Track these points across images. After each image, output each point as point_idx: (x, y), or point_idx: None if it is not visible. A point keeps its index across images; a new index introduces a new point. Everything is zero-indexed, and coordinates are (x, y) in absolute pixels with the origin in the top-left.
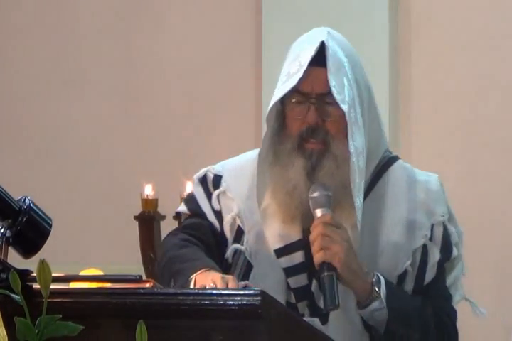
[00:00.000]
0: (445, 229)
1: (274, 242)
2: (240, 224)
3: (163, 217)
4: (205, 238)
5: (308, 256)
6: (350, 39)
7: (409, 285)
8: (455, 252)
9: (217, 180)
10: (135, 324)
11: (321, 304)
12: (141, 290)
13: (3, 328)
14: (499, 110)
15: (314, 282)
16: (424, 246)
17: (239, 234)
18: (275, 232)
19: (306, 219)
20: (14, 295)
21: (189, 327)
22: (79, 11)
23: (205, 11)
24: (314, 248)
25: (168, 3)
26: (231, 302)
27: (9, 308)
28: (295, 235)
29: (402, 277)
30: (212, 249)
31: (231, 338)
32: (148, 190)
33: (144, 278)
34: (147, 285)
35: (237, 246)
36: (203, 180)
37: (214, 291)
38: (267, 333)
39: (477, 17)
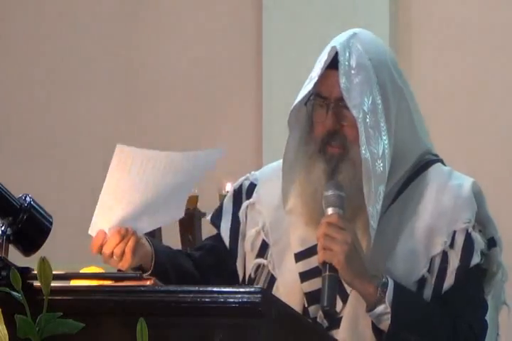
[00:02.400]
0: (468, 235)
1: (296, 246)
2: (265, 238)
3: None
4: (209, 259)
5: None
6: None
7: (428, 292)
8: (476, 259)
9: (251, 188)
10: (135, 321)
11: (338, 303)
12: (142, 288)
13: (4, 326)
14: (499, 107)
15: None
16: (445, 253)
17: (263, 248)
18: (299, 236)
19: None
20: (15, 293)
21: (189, 324)
22: (81, 13)
23: (206, 11)
24: (318, 247)
25: (169, 4)
26: (231, 300)
27: (10, 306)
28: (315, 239)
29: (421, 284)
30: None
31: (231, 336)
32: None
33: (144, 275)
34: (148, 282)
35: (259, 260)
36: (237, 192)
37: (215, 289)
38: (268, 331)
39: (477, 15)
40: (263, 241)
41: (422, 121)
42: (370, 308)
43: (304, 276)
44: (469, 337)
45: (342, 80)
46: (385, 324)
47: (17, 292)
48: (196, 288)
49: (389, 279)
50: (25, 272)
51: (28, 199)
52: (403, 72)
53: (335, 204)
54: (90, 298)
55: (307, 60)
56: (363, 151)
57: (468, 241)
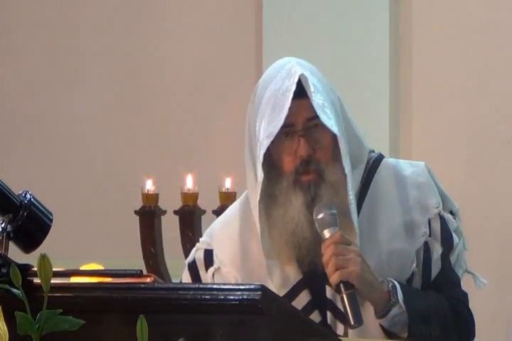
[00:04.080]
0: (442, 219)
1: (279, 289)
2: None
3: (164, 212)
4: None
5: (314, 291)
6: (350, 36)
7: (417, 284)
8: (456, 239)
9: (209, 256)
10: (136, 318)
11: (339, 331)
12: (142, 285)
13: (4, 323)
14: (500, 105)
15: (329, 314)
16: (426, 244)
17: None
18: (278, 278)
19: (307, 253)
20: (15, 290)
21: (189, 321)
22: (80, 11)
23: (206, 10)
24: (329, 269)
25: (170, 4)
26: (231, 297)
27: (10, 303)
28: (297, 275)
29: (410, 279)
30: None
31: (231, 333)
32: (149, 185)
33: (145, 272)
34: (148, 279)
35: None
36: (192, 265)
37: (215, 286)
38: (268, 328)
39: (478, 13)
40: None
41: (355, 123)
42: (383, 313)
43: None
44: (464, 312)
45: (314, 103)
46: (399, 324)
47: (17, 289)
48: (196, 286)
49: (393, 280)
50: (25, 269)
51: (28, 196)
52: (403, 69)
53: (330, 225)
54: (90, 295)
55: (308, 61)
56: (346, 166)
57: (444, 224)
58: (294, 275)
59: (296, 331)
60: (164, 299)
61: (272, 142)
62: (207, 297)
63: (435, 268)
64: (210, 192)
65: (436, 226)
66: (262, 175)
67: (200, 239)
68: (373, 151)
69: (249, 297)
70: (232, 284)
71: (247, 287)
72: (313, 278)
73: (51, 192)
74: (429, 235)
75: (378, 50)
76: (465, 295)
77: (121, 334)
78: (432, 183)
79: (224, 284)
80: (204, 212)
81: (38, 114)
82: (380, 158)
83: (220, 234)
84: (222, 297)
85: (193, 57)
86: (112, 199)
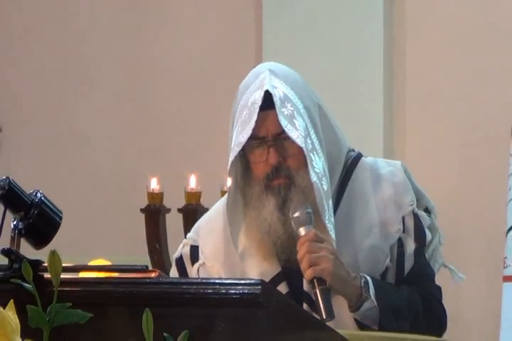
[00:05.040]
0: (415, 216)
1: None
2: None
3: (168, 210)
4: None
5: (292, 284)
6: (346, 38)
7: (391, 278)
8: (429, 236)
9: (195, 252)
10: (141, 312)
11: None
12: (147, 280)
13: (16, 315)
14: (493, 108)
15: (305, 306)
16: (399, 239)
17: None
18: (256, 272)
19: (283, 251)
20: (26, 284)
21: (192, 314)
22: (86, 15)
23: (206, 11)
24: (303, 266)
25: (171, 6)
26: (233, 291)
27: (22, 297)
28: (275, 269)
29: (384, 274)
30: None
31: (233, 325)
32: (154, 185)
33: (150, 268)
34: (153, 274)
35: None
36: (179, 261)
37: (217, 281)
38: (267, 320)
39: (472, 17)
40: None
41: (336, 122)
42: (355, 308)
43: None
44: (436, 306)
45: (281, 119)
46: (370, 318)
47: (28, 283)
48: (199, 280)
49: (366, 276)
50: (36, 264)
51: (38, 195)
52: (397, 72)
53: (305, 223)
54: (98, 289)
55: (307, 60)
56: (312, 175)
57: (417, 222)
58: (272, 268)
59: (294, 323)
60: (168, 293)
61: (245, 150)
62: (209, 291)
63: (408, 263)
64: (213, 191)
65: (410, 223)
66: (231, 181)
67: (188, 235)
68: (353, 150)
69: (249, 291)
70: (234, 279)
71: (248, 282)
72: (290, 272)
73: (61, 192)
74: (403, 231)
75: (373, 52)
76: (438, 289)
77: (128, 326)
78: (407, 182)
79: (226, 279)
80: (207, 210)
81: (46, 115)
82: (358, 157)
83: (205, 228)
84: (223, 291)
85: (196, 59)
86: (119, 198)
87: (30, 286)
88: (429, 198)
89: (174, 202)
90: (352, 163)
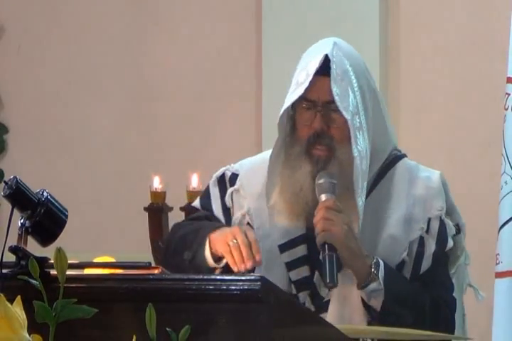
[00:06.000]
0: (442, 222)
1: (279, 238)
2: (250, 221)
3: (171, 209)
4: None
5: (311, 249)
6: (344, 39)
7: (406, 274)
8: (450, 244)
9: (234, 178)
10: (145, 307)
11: (323, 293)
12: (151, 276)
13: (23, 311)
14: (486, 108)
15: (316, 273)
16: (421, 238)
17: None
18: (281, 228)
19: (310, 218)
20: (33, 281)
21: (194, 310)
22: (90, 18)
23: (206, 13)
24: (317, 230)
25: (171, 8)
26: (233, 287)
27: (28, 293)
28: (299, 231)
29: (400, 267)
30: None
31: (233, 320)
32: (157, 184)
33: (153, 265)
34: (156, 271)
35: None
36: (220, 179)
37: (218, 277)
38: (267, 316)
39: (466, 20)
40: (248, 223)
41: (389, 120)
42: (362, 285)
43: (291, 266)
44: (447, 313)
45: (334, 86)
46: (376, 300)
47: (35, 280)
48: (201, 276)
49: (379, 259)
50: (42, 261)
51: (45, 194)
52: (391, 73)
53: (328, 191)
54: (103, 286)
55: None
56: (354, 151)
57: (442, 227)
58: (298, 230)
59: (293, 318)
60: (171, 289)
61: (295, 110)
62: (210, 287)
63: (426, 263)
64: None
65: (435, 225)
66: (279, 136)
67: (229, 165)
68: (399, 151)
69: (249, 287)
70: (234, 275)
71: (248, 278)
72: (313, 237)
73: (66, 191)
74: (427, 232)
75: (369, 53)
76: (453, 300)
77: (131, 321)
78: (441, 190)
79: (226, 275)
80: None
81: (52, 116)
82: (401, 157)
83: (250, 166)
84: (224, 287)
85: (197, 59)
86: (123, 197)
87: (37, 282)
88: (461, 216)
89: (176, 200)
90: (393, 160)
